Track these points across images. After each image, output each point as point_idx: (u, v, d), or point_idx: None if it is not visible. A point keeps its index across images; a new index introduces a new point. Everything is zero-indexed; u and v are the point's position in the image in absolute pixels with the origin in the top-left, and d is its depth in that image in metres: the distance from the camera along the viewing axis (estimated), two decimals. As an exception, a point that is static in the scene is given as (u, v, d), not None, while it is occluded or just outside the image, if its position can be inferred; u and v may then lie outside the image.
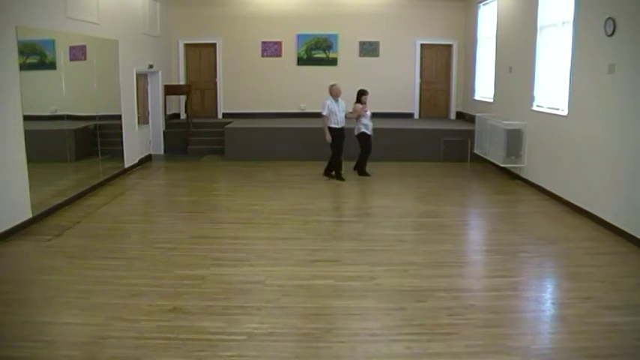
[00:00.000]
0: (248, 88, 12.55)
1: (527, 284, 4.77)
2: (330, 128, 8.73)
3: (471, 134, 10.37)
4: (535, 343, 3.68)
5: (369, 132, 9.04)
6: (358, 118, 8.99)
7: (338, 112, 8.73)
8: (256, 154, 10.53)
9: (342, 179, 8.80)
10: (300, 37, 12.56)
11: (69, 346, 3.62)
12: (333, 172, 8.97)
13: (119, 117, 9.05)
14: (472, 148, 10.26)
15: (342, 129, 8.80)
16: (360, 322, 3.95)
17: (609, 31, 6.07)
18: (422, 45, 12.68)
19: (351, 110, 9.02)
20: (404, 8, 12.44)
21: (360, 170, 9.19)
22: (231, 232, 6.14)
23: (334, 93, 8.80)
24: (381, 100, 12.36)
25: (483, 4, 11.32)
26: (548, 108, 7.89)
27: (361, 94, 9.07)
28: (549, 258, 5.40)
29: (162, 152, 11.32)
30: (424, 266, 5.05)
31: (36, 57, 6.65)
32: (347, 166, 9.06)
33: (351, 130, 9.04)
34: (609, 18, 6.06)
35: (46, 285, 4.58)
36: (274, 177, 9.14)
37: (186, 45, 12.63)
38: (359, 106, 8.97)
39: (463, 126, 11.18)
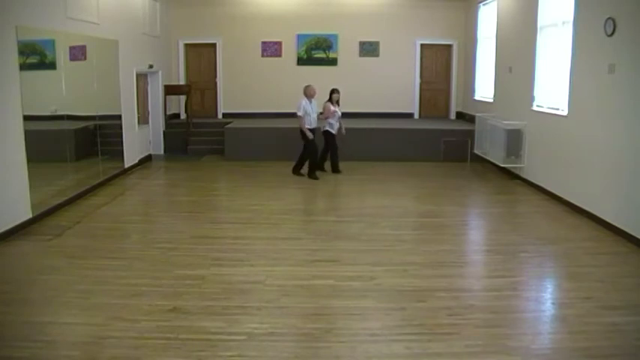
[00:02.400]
0: (248, 88, 12.55)
1: (527, 284, 4.77)
2: None
3: (471, 134, 10.37)
4: (535, 343, 3.68)
5: (333, 131, 9.11)
6: (326, 117, 9.08)
7: (311, 113, 8.87)
8: (256, 154, 10.53)
9: (300, 175, 9.01)
10: (300, 37, 12.56)
11: (69, 346, 3.62)
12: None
13: (119, 117, 9.05)
14: (472, 148, 10.26)
15: (316, 129, 8.94)
16: (360, 322, 3.95)
17: (609, 31, 6.07)
18: (422, 45, 12.68)
19: (321, 110, 9.08)
20: (404, 8, 12.44)
21: (334, 168, 9.31)
22: (231, 232, 6.14)
23: (309, 94, 8.90)
24: (381, 100, 12.44)
25: (483, 4, 11.31)
26: (548, 108, 7.89)
27: (332, 93, 9.15)
28: (549, 258, 5.40)
29: (162, 152, 11.33)
30: (424, 266, 5.05)
31: (36, 57, 6.65)
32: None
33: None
34: (609, 18, 6.06)
35: (46, 285, 4.58)
36: (274, 177, 9.14)
37: (186, 45, 12.63)
38: (329, 106, 9.00)
39: (463, 126, 11.18)
